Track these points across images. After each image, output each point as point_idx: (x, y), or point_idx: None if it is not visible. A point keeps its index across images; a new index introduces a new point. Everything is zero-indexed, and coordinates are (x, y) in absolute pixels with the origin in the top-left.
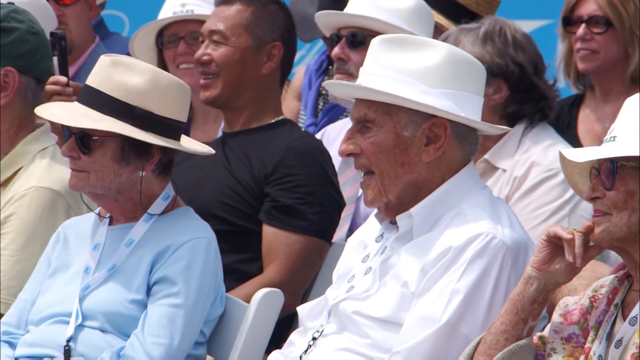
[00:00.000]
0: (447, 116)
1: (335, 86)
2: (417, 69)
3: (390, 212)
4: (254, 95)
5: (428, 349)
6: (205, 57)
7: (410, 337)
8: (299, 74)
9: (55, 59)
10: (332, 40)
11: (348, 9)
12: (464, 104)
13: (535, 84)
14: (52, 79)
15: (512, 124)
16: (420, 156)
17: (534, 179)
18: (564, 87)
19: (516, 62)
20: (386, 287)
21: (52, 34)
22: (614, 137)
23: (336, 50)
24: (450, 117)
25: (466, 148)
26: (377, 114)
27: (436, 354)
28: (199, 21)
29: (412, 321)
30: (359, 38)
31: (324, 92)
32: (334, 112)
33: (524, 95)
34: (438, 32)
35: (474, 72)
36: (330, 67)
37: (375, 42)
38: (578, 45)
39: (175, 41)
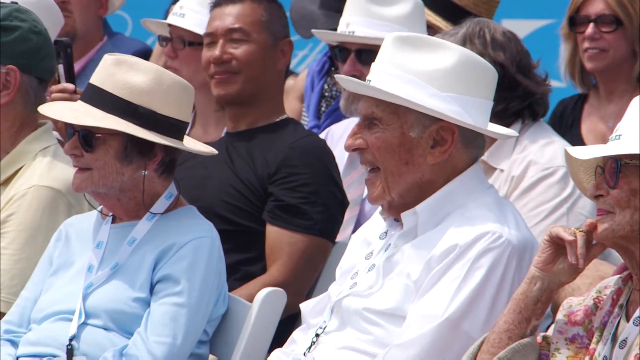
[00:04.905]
0: (454, 122)
1: (346, 82)
2: (428, 71)
3: (393, 211)
4: (269, 92)
5: (428, 342)
6: (226, 56)
7: (411, 332)
8: (302, 74)
9: (60, 67)
10: (338, 52)
11: (351, 24)
12: (472, 109)
13: (519, 81)
14: (59, 86)
15: (502, 122)
16: (425, 157)
17: (531, 178)
18: (567, 86)
19: (497, 62)
20: (390, 282)
21: (56, 41)
22: (619, 135)
23: (347, 67)
24: (457, 123)
25: (472, 152)
26: (385, 113)
27: (436, 349)
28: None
29: (414, 317)
30: (367, 55)
31: (326, 94)
32: (336, 114)
33: (509, 93)
34: (433, 32)
35: (486, 77)
36: (332, 67)
37: (389, 40)
38: (586, 44)
39: (167, 41)
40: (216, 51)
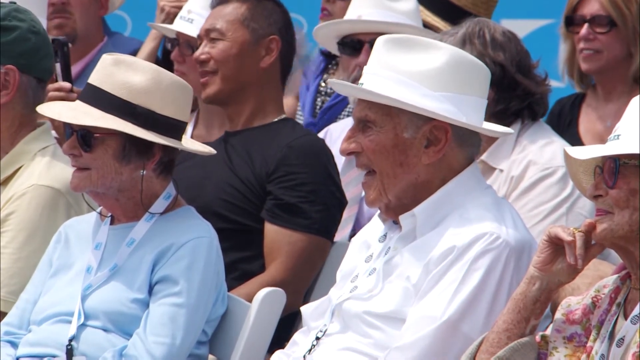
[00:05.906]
0: (447, 120)
1: (339, 86)
2: (419, 71)
3: (391, 213)
4: (254, 90)
5: (427, 345)
6: (203, 56)
7: (410, 334)
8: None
9: (57, 66)
10: (348, 46)
11: (363, 15)
12: (466, 107)
13: (518, 81)
14: (55, 85)
15: (502, 122)
16: (419, 158)
17: (530, 178)
18: (566, 86)
19: (496, 62)
20: (390, 285)
21: (53, 40)
22: (618, 135)
23: (364, 57)
24: (450, 121)
25: (468, 150)
26: (378, 114)
27: (435, 351)
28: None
29: (413, 319)
30: None
31: (322, 89)
32: (333, 111)
33: (508, 93)
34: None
35: (478, 75)
36: (329, 65)
37: (379, 42)
38: (581, 45)
39: (175, 44)
40: (197, 52)
